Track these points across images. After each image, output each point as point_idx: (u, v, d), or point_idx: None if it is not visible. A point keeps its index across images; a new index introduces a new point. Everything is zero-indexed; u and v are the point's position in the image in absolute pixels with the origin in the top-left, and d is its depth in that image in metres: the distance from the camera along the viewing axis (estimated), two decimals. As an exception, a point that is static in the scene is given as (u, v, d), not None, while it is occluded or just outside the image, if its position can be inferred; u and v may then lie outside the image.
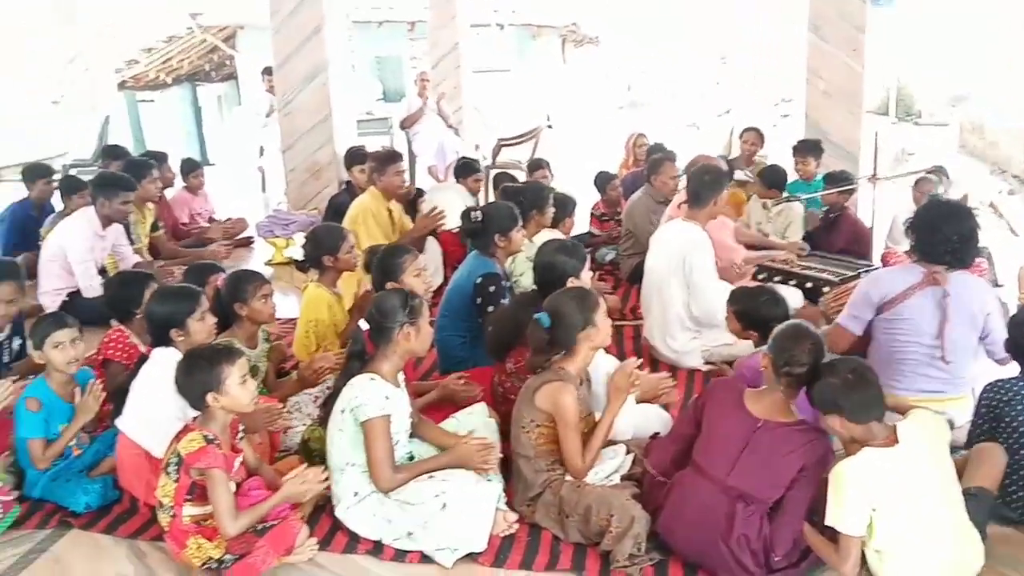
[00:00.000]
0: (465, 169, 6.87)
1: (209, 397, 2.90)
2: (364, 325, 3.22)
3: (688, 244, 4.58)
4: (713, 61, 23.48)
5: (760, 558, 2.78)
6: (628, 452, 3.40)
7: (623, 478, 3.28)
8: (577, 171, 9.00)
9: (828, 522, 2.71)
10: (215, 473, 2.82)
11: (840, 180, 6.12)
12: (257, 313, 3.89)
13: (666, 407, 3.88)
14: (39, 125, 13.44)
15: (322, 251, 4.20)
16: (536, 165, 7.20)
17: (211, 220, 7.79)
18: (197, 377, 2.92)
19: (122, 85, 16.18)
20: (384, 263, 4.02)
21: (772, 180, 6.35)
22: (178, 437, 2.96)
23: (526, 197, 5.09)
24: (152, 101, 18.86)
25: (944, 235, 3.66)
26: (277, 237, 7.13)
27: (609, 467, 3.28)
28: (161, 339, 3.45)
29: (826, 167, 6.72)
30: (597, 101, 26.04)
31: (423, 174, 10.06)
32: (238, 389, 2.94)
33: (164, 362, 3.30)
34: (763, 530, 2.78)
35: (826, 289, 5.16)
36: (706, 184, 4.70)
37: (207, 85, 18.80)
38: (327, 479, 3.07)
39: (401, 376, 3.30)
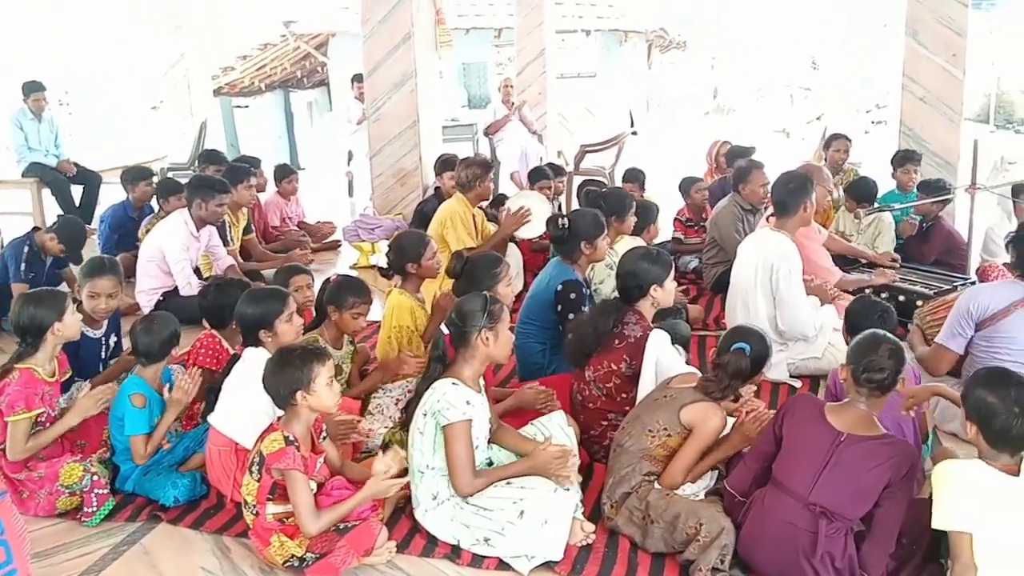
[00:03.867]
0: (536, 175, 6.88)
1: (298, 395, 2.97)
2: (446, 329, 3.25)
3: (776, 255, 4.49)
4: (804, 66, 22.97)
5: (845, 578, 2.71)
6: (714, 468, 3.36)
7: (708, 494, 3.24)
8: (662, 177, 8.92)
9: (935, 524, 2.55)
10: (294, 475, 2.89)
11: (935, 189, 5.94)
12: (346, 324, 3.98)
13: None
14: (139, 129, 14.02)
15: (406, 259, 4.26)
16: (632, 177, 7.13)
17: (301, 224, 7.97)
18: (288, 375, 2.98)
19: (218, 91, 16.74)
20: (478, 272, 4.01)
21: (860, 194, 6.18)
22: (262, 437, 3.03)
23: (607, 203, 5.06)
24: (247, 107, 19.44)
25: (1048, 251, 3.52)
26: (363, 241, 7.26)
27: (699, 485, 3.24)
28: (251, 339, 3.56)
29: (922, 176, 6.53)
30: (683, 106, 25.81)
31: (506, 180, 10.11)
32: (325, 390, 3.00)
33: (254, 361, 3.39)
34: (848, 549, 2.70)
35: (920, 303, 4.99)
36: (791, 192, 4.61)
37: (299, 91, 19.29)
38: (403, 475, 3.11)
39: (482, 382, 3.31)
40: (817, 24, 23.43)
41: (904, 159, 6.48)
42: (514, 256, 6.15)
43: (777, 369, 4.56)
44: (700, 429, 3.11)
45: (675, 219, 7.05)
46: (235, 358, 3.61)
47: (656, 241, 6.97)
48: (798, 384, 4.54)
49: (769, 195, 5.09)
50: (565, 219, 4.43)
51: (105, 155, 11.53)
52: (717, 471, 3.35)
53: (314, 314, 4.13)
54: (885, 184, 6.65)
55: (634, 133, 17.63)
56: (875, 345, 2.86)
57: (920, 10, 6.70)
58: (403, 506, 3.32)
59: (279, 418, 3.09)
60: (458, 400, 3.07)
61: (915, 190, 6.21)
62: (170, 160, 10.64)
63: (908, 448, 2.82)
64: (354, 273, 6.70)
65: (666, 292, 3.87)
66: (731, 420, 3.35)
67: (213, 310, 4.08)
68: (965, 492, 2.54)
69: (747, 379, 3.25)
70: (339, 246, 7.83)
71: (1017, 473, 2.57)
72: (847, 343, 3.59)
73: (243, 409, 3.35)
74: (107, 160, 10.44)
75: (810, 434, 2.82)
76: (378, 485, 3.00)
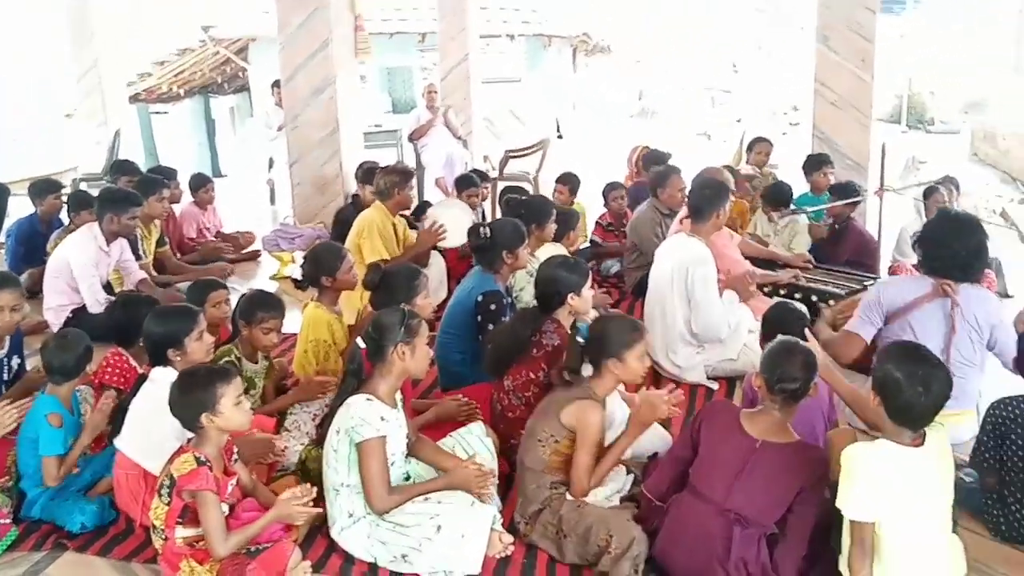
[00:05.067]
0: (463, 183, 6.85)
1: (203, 418, 2.89)
2: (362, 344, 3.20)
3: (690, 259, 4.55)
4: (725, 70, 23.41)
5: (758, 583, 2.74)
6: (628, 472, 3.38)
7: (623, 499, 3.25)
8: (588, 181, 8.97)
9: (843, 510, 2.58)
10: (206, 495, 2.81)
11: (846, 191, 6.08)
12: (256, 340, 3.90)
13: (666, 425, 3.83)
14: (53, 139, 13.55)
15: (321, 271, 4.17)
16: (565, 180, 7.13)
17: (219, 234, 7.80)
18: (192, 397, 2.90)
19: (135, 98, 16.31)
20: (395, 285, 3.96)
21: (776, 198, 6.32)
22: (172, 459, 2.95)
23: (527, 211, 5.07)
24: (166, 113, 19.00)
25: (953, 250, 3.63)
26: (283, 251, 7.15)
27: (610, 488, 3.24)
28: (159, 358, 3.45)
29: (835, 178, 6.68)
30: (609, 110, 26.06)
31: (431, 186, 10.06)
32: (232, 410, 2.92)
33: (162, 381, 3.28)
34: (761, 555, 2.74)
35: (832, 303, 5.11)
36: (707, 198, 4.68)
37: (220, 97, 18.93)
38: (317, 499, 3.05)
39: (399, 396, 3.27)
40: (737, 28, 23.91)
41: (818, 162, 6.64)
42: (437, 265, 6.12)
43: (694, 372, 4.63)
44: (581, 429, 3.09)
45: (596, 222, 7.10)
46: (142, 378, 3.50)
47: (580, 246, 7.04)
48: (715, 386, 4.60)
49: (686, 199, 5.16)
50: (487, 228, 4.42)
51: (17, 165, 11.13)
52: (632, 475, 3.36)
53: (230, 329, 4.04)
54: (800, 187, 6.81)
55: (560, 137, 17.80)
56: (788, 355, 2.90)
57: (830, 17, 6.87)
58: (320, 525, 3.26)
59: (189, 440, 3.00)
60: (372, 416, 3.03)
61: (827, 192, 6.36)
62: (84, 170, 10.34)
63: (819, 454, 2.88)
64: (273, 284, 6.60)
65: (583, 300, 3.87)
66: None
67: (120, 327, 3.96)
68: (875, 480, 2.56)
69: (589, 360, 3.22)
70: (259, 256, 7.69)
71: (921, 444, 2.63)
72: (763, 348, 3.66)
73: (150, 432, 3.25)
74: (19, 171, 10.09)
75: (726, 441, 2.86)
76: (286, 507, 2.93)
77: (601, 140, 17.45)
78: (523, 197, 5.88)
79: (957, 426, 3.56)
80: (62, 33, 11.76)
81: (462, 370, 4.36)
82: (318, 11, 7.14)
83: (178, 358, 3.42)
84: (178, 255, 7.06)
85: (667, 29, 28.84)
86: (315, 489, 2.99)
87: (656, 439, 3.65)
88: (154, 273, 6.27)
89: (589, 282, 3.91)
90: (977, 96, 17.78)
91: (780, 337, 3.09)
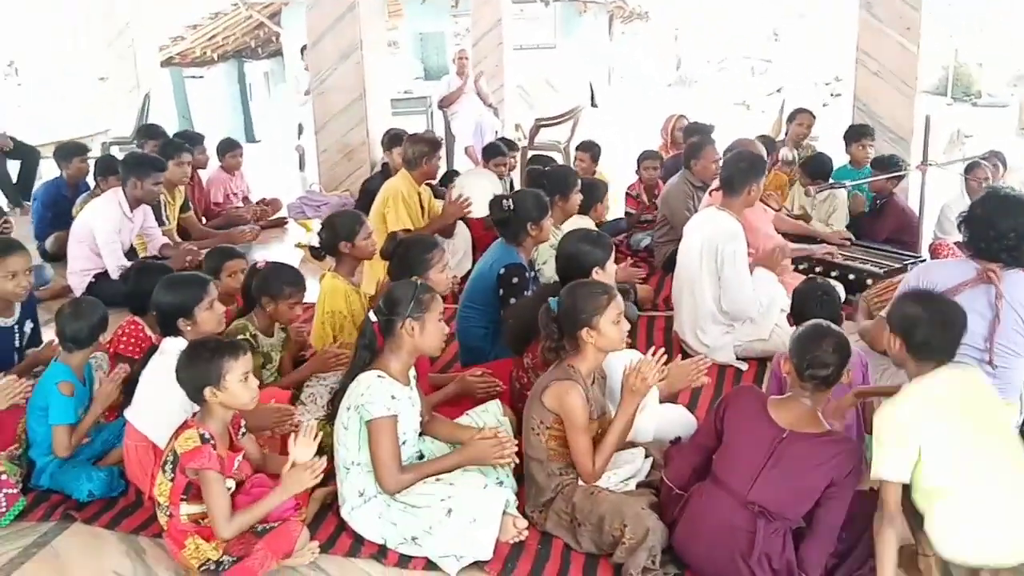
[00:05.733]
0: (490, 151, 6.70)
1: (207, 392, 2.80)
2: (374, 318, 3.09)
3: (720, 235, 4.37)
4: (765, 38, 22.88)
5: (782, 580, 2.61)
6: (647, 456, 3.24)
7: (641, 484, 3.12)
8: (623, 150, 8.77)
9: (873, 476, 2.56)
10: (208, 475, 2.73)
11: (888, 165, 5.84)
12: (281, 315, 3.81)
13: (691, 407, 3.70)
14: (87, 102, 13.58)
15: (338, 238, 4.07)
16: (586, 147, 6.95)
17: (246, 200, 7.74)
18: (197, 370, 2.82)
19: (168, 62, 16.28)
20: (409, 256, 3.84)
21: (816, 170, 6.09)
22: (176, 434, 2.87)
23: (549, 182, 4.92)
24: (201, 77, 18.98)
25: (1000, 231, 3.42)
26: (309, 219, 7.06)
27: (625, 472, 3.12)
28: (169, 328, 3.37)
29: (877, 151, 6.45)
30: (646, 78, 25.66)
31: (460, 155, 9.92)
32: (238, 386, 2.83)
33: (171, 352, 3.19)
34: (786, 550, 2.60)
35: (869, 282, 4.92)
36: (741, 171, 4.48)
37: (254, 62, 18.85)
38: (328, 476, 2.96)
39: (412, 372, 3.17)
40: (778, -5, 23.36)
41: (858, 134, 6.39)
42: (462, 235, 6.00)
43: (723, 352, 4.47)
44: (565, 411, 2.93)
45: (627, 193, 6.92)
46: (153, 348, 3.43)
47: (608, 218, 6.88)
48: (744, 367, 4.45)
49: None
50: (509, 201, 4.27)
51: (50, 129, 11.16)
52: (651, 459, 3.23)
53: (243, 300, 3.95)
54: (840, 159, 6.58)
55: (594, 105, 17.53)
56: (819, 339, 2.74)
57: (875, -18, 6.60)
58: (330, 503, 3.18)
59: (194, 414, 2.93)
60: (382, 394, 2.92)
61: (868, 166, 6.13)
62: (114, 134, 10.32)
63: (852, 446, 2.73)
64: (298, 252, 6.52)
65: (607, 275, 3.73)
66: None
67: (134, 295, 3.87)
68: (901, 433, 2.53)
69: (565, 334, 3.05)
70: (285, 223, 7.61)
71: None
72: (791, 326, 3.50)
73: (159, 404, 3.16)
74: (54, 133, 10.10)
75: (751, 430, 2.71)
76: (295, 476, 2.83)
77: (637, 109, 17.17)
78: (546, 168, 5.70)
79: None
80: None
81: (483, 345, 4.25)
82: (345, -28, 6.99)
83: (188, 328, 3.33)
84: (204, 221, 7.01)
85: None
86: (323, 459, 2.87)
87: (679, 422, 3.51)
88: (178, 239, 6.21)
89: (613, 256, 3.77)
90: (1025, 68, 17.26)
91: (811, 320, 2.93)
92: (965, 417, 2.55)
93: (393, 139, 6.63)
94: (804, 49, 20.83)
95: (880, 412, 2.62)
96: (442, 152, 5.81)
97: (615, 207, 7.11)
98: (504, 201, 4.25)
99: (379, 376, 2.98)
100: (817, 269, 5.24)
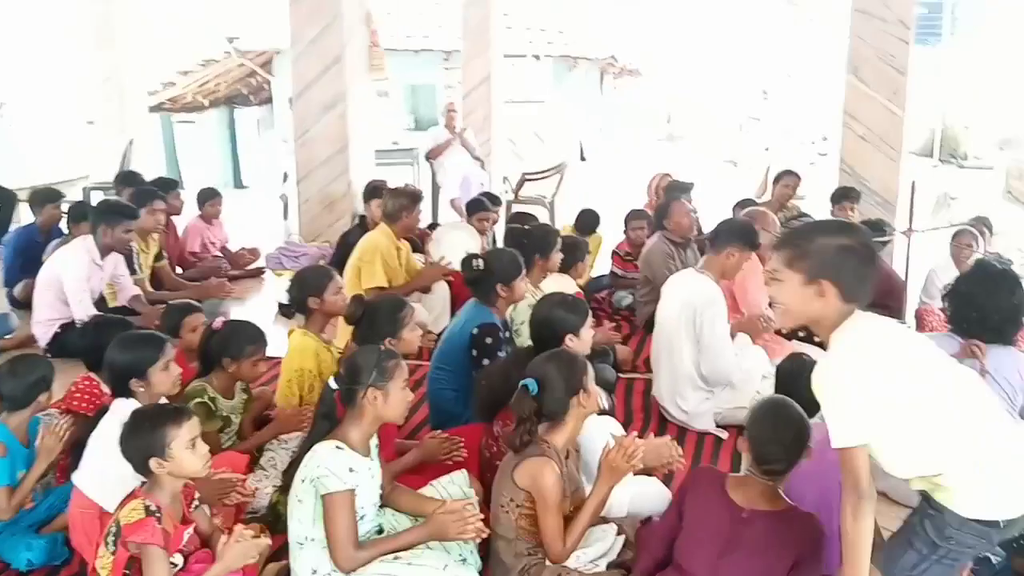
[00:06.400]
0: (473, 206, 6.63)
1: (152, 463, 2.65)
2: (334, 384, 2.95)
3: (699, 298, 4.27)
4: (754, 96, 23.09)
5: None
6: (619, 534, 3.09)
7: (612, 565, 2.96)
8: (609, 206, 8.71)
9: (835, 445, 2.22)
10: (151, 550, 2.56)
11: (873, 229, 5.76)
12: (244, 374, 3.69)
13: (668, 481, 3.55)
14: (73, 145, 13.50)
15: (307, 293, 3.96)
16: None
17: (224, 250, 7.62)
18: (140, 440, 2.67)
19: (159, 107, 16.29)
20: (379, 318, 3.72)
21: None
22: (123, 503, 2.71)
23: (530, 240, 4.83)
24: (192, 123, 19.00)
25: (985, 312, 3.33)
26: (286, 269, 6.95)
27: (595, 551, 2.96)
28: (122, 388, 3.22)
29: (863, 214, 6.40)
30: (635, 133, 25.82)
31: (446, 207, 9.85)
32: (185, 454, 2.68)
33: (123, 413, 3.04)
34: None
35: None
36: (725, 233, 4.41)
37: (245, 109, 18.89)
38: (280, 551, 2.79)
39: (375, 442, 3.02)
40: (768, 53, 23.60)
41: (841, 196, 6.35)
42: (440, 291, 5.87)
43: (703, 419, 4.35)
44: (538, 490, 2.78)
45: (614, 252, 6.84)
46: (104, 409, 3.27)
47: (594, 275, 6.78)
48: (724, 435, 4.31)
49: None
50: (479, 260, 4.16)
51: (35, 172, 11.07)
52: (624, 536, 3.08)
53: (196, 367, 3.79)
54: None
55: (583, 160, 17.56)
56: (774, 428, 2.60)
57: (863, 47, 6.61)
58: (283, 580, 3.01)
59: (143, 483, 2.76)
60: (339, 467, 2.77)
61: (854, 230, 6.06)
62: (97, 179, 10.21)
63: (812, 521, 2.57)
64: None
65: (582, 341, 3.61)
66: None
67: (90, 350, 3.71)
68: (851, 389, 2.21)
69: (544, 417, 2.92)
70: (262, 273, 7.48)
71: None
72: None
73: (108, 468, 2.99)
74: (39, 175, 9.99)
75: (711, 512, 2.56)
76: (234, 550, 2.65)
77: (626, 164, 17.21)
78: (526, 226, 5.61)
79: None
80: (84, 39, 11.68)
81: (454, 408, 4.11)
82: (332, 25, 6.97)
83: (141, 389, 3.19)
84: (180, 270, 6.88)
85: (696, 52, 28.60)
86: (250, 533, 2.70)
87: (655, 497, 3.35)
88: (150, 289, 6.07)
89: (589, 322, 3.65)
90: (1012, 131, 17.36)
91: (771, 398, 2.79)
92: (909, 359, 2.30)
93: (372, 191, 6.55)
94: (791, 108, 21.00)
95: (817, 375, 2.29)
96: (422, 206, 5.71)
97: (602, 265, 7.04)
98: (474, 260, 4.14)
99: (337, 447, 2.83)
100: (800, 334, 5.13)
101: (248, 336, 3.64)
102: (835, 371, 2.26)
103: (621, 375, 5.11)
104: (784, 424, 2.62)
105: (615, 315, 6.35)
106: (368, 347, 3.07)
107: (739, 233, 4.41)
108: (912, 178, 5.66)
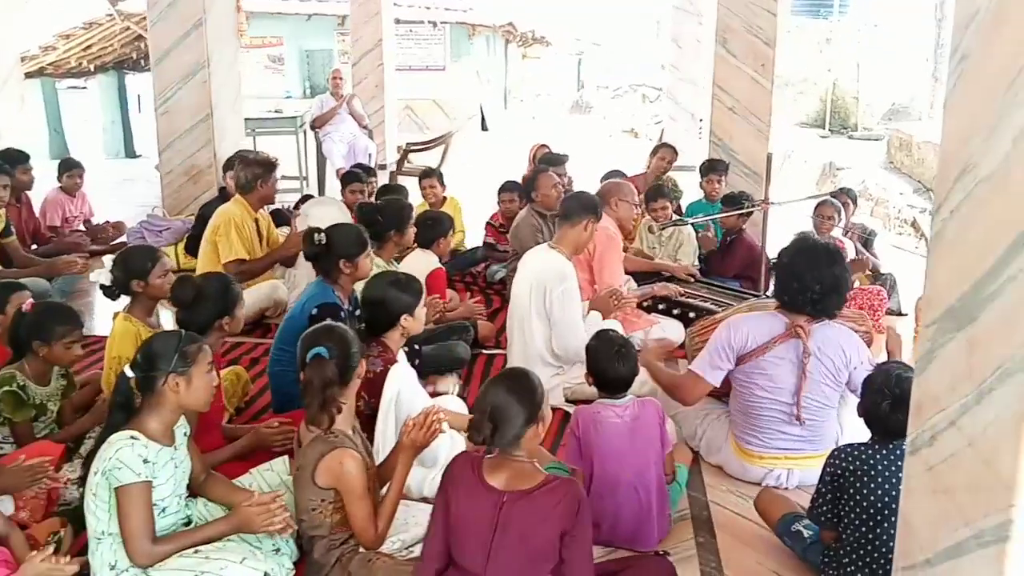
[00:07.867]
0: (347, 178, 6.47)
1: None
2: (129, 372, 2.80)
3: (549, 275, 4.22)
4: (657, 67, 23.26)
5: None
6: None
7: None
8: (503, 177, 8.60)
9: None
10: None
11: (736, 201, 5.83)
12: (59, 358, 3.49)
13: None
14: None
15: (130, 276, 3.76)
16: (425, 175, 6.79)
17: (87, 223, 7.28)
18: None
19: (40, 72, 15.48)
20: (209, 295, 3.55)
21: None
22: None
23: (384, 216, 4.71)
24: (84, 88, 18.15)
25: (805, 283, 3.34)
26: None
27: (411, 536, 2.92)
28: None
29: (732, 186, 6.46)
30: (545, 103, 25.77)
31: (332, 177, 9.62)
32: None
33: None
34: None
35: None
36: (573, 209, 4.35)
37: (137, 74, 18.09)
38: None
39: (184, 429, 2.89)
40: (667, 26, 23.74)
41: (708, 169, 6.39)
42: (305, 267, 5.68)
43: (552, 394, 4.30)
44: (343, 482, 2.70)
45: (487, 223, 6.76)
46: None
47: (467, 246, 6.70)
48: (572, 409, 4.28)
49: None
50: (322, 235, 4.02)
51: None
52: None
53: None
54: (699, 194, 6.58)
55: (485, 129, 17.42)
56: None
57: (730, 19, 6.62)
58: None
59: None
60: (132, 459, 2.63)
61: (719, 202, 6.12)
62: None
63: (571, 487, 2.47)
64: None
65: (417, 321, 3.54)
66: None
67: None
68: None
69: (345, 383, 2.88)
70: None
71: None
72: (589, 384, 3.36)
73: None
74: None
75: (472, 502, 2.46)
76: (31, 569, 2.51)
77: (529, 134, 17.13)
78: (378, 202, 5.48)
79: (815, 470, 3.28)
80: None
81: (295, 390, 3.96)
82: (191, -13, 6.66)
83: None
84: (36, 246, 6.56)
85: (605, 23, 28.65)
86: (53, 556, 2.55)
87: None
88: (-3, 267, 5.76)
89: (423, 301, 3.57)
90: (898, 103, 17.86)
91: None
92: None
93: (230, 161, 6.31)
94: (692, 80, 21.18)
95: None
96: (278, 174, 5.51)
97: (474, 236, 6.96)
98: (316, 235, 4.00)
99: (132, 438, 2.68)
100: (660, 307, 5.17)
101: (58, 317, 3.45)
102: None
103: (484, 351, 5.06)
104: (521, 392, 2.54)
105: (487, 288, 6.29)
106: (167, 332, 2.93)
107: (587, 206, 4.37)
108: (768, 152, 5.71)
